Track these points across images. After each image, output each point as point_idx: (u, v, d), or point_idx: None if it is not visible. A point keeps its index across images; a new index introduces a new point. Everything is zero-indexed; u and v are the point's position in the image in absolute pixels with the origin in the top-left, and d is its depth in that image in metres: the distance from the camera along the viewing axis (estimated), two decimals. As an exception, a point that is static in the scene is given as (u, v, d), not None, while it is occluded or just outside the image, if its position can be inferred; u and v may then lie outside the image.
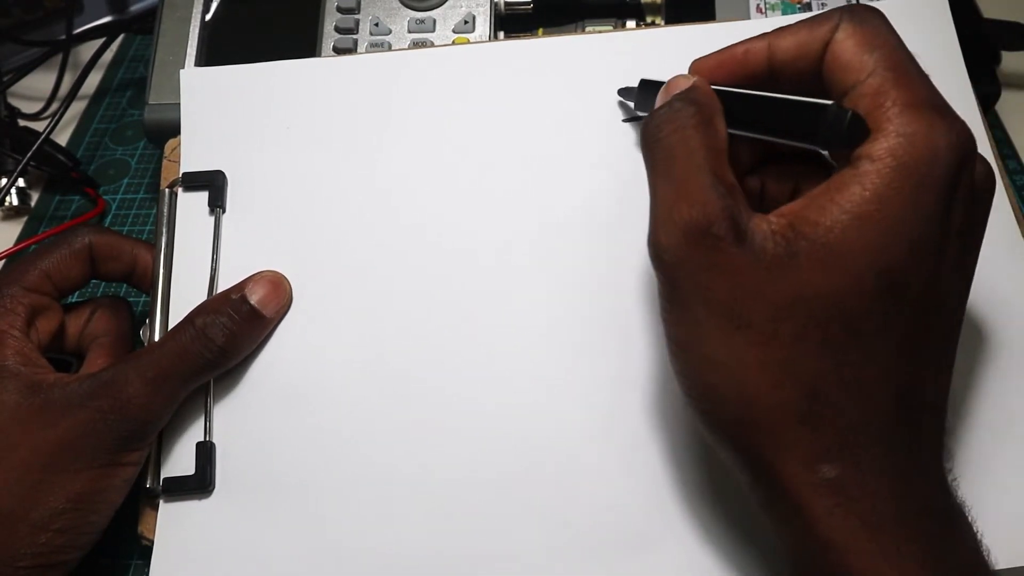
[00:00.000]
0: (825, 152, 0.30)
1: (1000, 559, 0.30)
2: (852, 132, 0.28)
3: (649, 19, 0.52)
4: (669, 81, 0.34)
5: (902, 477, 0.28)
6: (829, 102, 0.29)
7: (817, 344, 0.28)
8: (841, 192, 0.28)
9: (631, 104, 0.42)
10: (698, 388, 0.30)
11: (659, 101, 0.34)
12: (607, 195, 0.41)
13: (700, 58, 0.35)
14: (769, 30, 0.33)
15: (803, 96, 0.31)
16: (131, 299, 0.45)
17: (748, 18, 0.49)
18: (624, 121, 0.42)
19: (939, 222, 0.28)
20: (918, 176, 0.27)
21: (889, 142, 0.28)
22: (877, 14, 0.31)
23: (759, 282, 0.28)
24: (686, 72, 0.35)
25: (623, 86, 0.42)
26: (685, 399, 0.31)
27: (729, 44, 0.34)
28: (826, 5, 0.49)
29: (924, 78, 0.29)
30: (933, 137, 0.27)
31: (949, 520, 0.29)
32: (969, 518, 0.29)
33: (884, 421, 0.28)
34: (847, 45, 0.30)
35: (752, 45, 0.33)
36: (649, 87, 0.39)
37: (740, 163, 0.35)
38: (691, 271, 0.29)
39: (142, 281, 0.42)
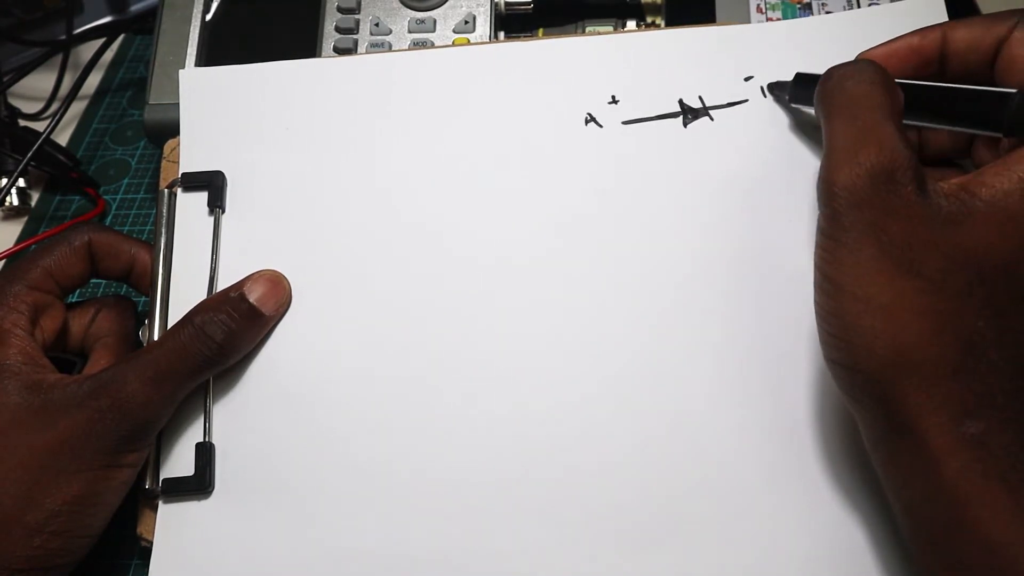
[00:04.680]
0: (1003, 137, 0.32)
1: None
2: None
3: (649, 19, 0.52)
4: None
5: None
6: (1012, 90, 0.31)
7: (982, 301, 0.29)
8: (1020, 164, 0.29)
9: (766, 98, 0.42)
10: (848, 329, 0.30)
11: None
12: (607, 196, 0.41)
13: (868, 49, 0.36)
14: (941, 22, 0.35)
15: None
16: (134, 299, 0.45)
17: (748, 19, 0.49)
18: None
19: None
20: None
21: None
22: None
23: (934, 233, 0.29)
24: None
25: (772, 81, 0.42)
26: (827, 341, 0.31)
27: (903, 33, 0.36)
28: (826, 5, 0.49)
29: None
30: None
31: None
32: None
33: None
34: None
35: (927, 34, 0.35)
36: (807, 79, 0.39)
37: None
38: (868, 212, 0.30)
39: (140, 281, 0.42)
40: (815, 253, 0.32)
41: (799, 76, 0.40)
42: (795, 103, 0.41)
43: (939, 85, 0.34)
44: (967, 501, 0.28)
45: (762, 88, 0.42)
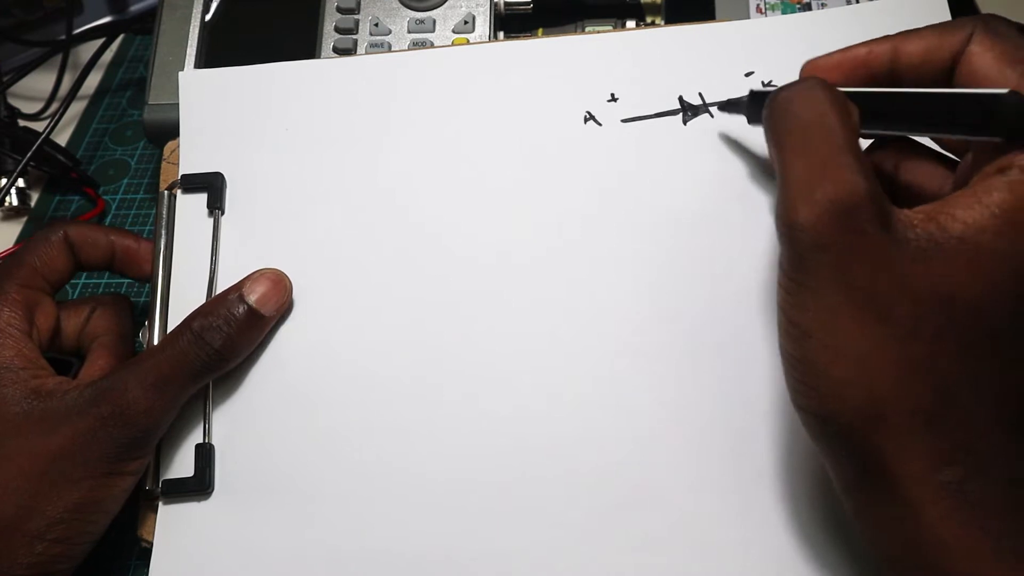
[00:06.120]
0: (993, 141, 0.29)
1: None
2: None
3: (649, 19, 0.52)
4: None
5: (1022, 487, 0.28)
6: (1003, 90, 0.28)
7: (954, 344, 0.27)
8: (990, 196, 0.27)
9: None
10: (817, 379, 0.29)
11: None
12: (607, 194, 0.41)
13: (814, 59, 0.34)
14: (892, 33, 0.32)
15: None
16: (132, 298, 0.45)
17: (748, 18, 0.49)
18: (624, 121, 0.42)
19: None
20: None
21: None
22: (1009, 25, 0.30)
23: (904, 273, 0.27)
24: (796, 71, 0.34)
25: (723, 100, 0.40)
26: (795, 387, 0.30)
27: (848, 45, 0.33)
28: (825, 5, 0.49)
29: None
30: None
31: None
32: None
33: (1010, 430, 0.28)
34: (986, 59, 0.30)
35: (875, 47, 0.32)
36: (762, 97, 0.37)
37: None
38: (832, 254, 0.28)
39: (125, 265, 0.42)
40: (778, 294, 0.30)
41: (754, 94, 0.38)
42: (753, 123, 0.39)
43: (911, 92, 0.31)
44: (946, 550, 0.27)
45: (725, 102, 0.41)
